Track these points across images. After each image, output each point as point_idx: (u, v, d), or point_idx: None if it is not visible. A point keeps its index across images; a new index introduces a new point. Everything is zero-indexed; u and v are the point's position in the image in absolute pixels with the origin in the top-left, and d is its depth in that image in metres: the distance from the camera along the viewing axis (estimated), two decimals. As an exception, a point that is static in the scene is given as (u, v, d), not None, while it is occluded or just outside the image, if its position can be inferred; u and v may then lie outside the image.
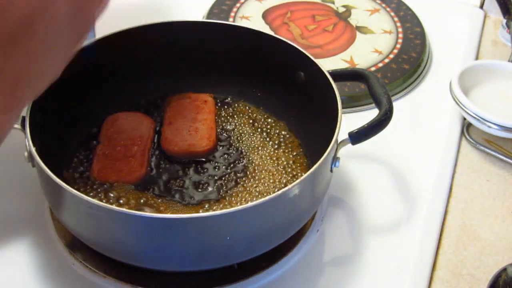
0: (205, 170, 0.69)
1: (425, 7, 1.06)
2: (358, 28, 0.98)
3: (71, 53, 0.47)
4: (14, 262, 0.62)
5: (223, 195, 0.66)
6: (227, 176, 0.69)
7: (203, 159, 0.71)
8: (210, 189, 0.67)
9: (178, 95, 0.78)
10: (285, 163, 0.71)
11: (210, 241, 0.54)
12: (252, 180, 0.68)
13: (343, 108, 0.62)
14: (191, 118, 0.74)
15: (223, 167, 0.70)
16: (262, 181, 0.68)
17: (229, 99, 0.80)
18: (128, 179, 0.66)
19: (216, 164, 0.70)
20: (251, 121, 0.76)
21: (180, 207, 0.65)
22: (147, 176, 0.68)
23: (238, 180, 0.68)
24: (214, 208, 0.65)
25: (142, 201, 0.65)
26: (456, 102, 0.80)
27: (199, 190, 0.67)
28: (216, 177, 0.69)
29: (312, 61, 0.69)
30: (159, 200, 0.65)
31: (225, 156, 0.71)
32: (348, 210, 0.71)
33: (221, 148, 0.73)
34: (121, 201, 0.64)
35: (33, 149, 0.56)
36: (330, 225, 0.68)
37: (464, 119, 0.82)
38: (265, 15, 1.00)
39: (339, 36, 0.96)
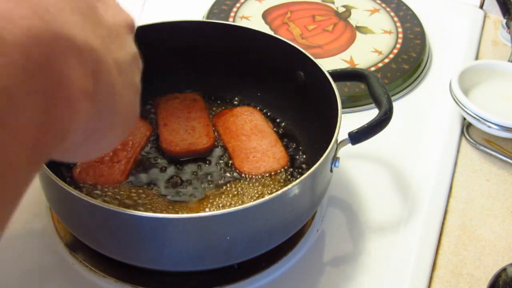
0: (204, 169, 0.70)
1: (425, 7, 1.06)
2: (358, 28, 0.98)
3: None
4: (14, 262, 0.62)
5: (221, 193, 0.66)
6: (225, 175, 0.69)
7: (201, 157, 0.71)
8: (208, 187, 0.67)
9: (166, 97, 0.78)
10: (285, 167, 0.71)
11: (210, 241, 0.54)
12: (251, 179, 0.68)
13: (343, 108, 0.62)
14: (185, 117, 0.75)
15: (222, 166, 0.70)
16: (261, 180, 0.68)
17: (228, 99, 0.80)
18: (106, 184, 0.67)
19: (215, 162, 0.70)
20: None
21: (178, 205, 0.65)
22: (145, 175, 0.68)
23: (237, 178, 0.68)
24: (211, 204, 0.65)
25: (139, 199, 0.65)
26: (456, 102, 0.80)
27: (197, 188, 0.67)
28: (214, 176, 0.69)
29: (312, 61, 0.69)
30: (156, 199, 0.65)
31: (224, 155, 0.71)
32: (348, 210, 0.71)
33: (219, 147, 0.73)
34: (118, 200, 0.65)
35: (33, 149, 0.56)
36: (330, 225, 0.68)
37: (464, 119, 0.82)
38: (265, 15, 1.00)
39: (339, 36, 0.96)
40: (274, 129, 0.75)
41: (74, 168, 0.68)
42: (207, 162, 0.71)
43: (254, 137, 0.73)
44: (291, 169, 0.70)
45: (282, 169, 0.69)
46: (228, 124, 0.75)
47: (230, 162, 0.70)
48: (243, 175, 0.69)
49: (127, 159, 0.69)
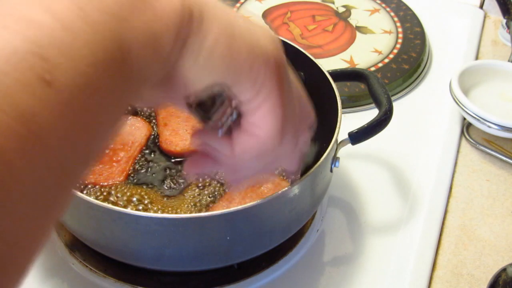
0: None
1: (425, 7, 1.06)
2: (358, 28, 0.98)
3: None
4: (14, 262, 0.62)
5: (220, 193, 0.66)
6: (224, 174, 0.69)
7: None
8: (207, 186, 0.67)
9: None
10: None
11: (210, 241, 0.54)
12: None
13: (343, 108, 0.62)
14: (185, 117, 0.75)
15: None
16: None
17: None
18: (105, 183, 0.67)
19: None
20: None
21: (178, 205, 0.65)
22: (145, 175, 0.68)
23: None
24: (211, 204, 0.65)
25: (138, 199, 0.65)
26: (456, 102, 0.80)
27: (197, 186, 0.67)
28: (215, 176, 0.69)
29: (312, 61, 0.69)
30: (156, 199, 0.65)
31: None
32: (348, 210, 0.71)
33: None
34: (117, 199, 0.65)
35: (33, 149, 0.56)
36: (330, 225, 0.68)
37: (464, 119, 0.82)
38: (265, 15, 1.00)
39: (339, 36, 0.96)
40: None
41: None
42: (207, 162, 0.71)
43: None
44: (291, 169, 0.70)
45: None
46: None
47: (230, 162, 0.70)
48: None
49: (127, 159, 0.69)
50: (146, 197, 0.66)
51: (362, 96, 0.84)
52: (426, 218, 0.70)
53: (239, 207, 0.52)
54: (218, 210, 0.61)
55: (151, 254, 0.56)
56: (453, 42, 1.00)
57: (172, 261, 0.57)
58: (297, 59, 0.70)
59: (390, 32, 0.97)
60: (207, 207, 0.64)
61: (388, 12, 1.03)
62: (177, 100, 0.37)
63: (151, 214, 0.53)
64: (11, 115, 0.22)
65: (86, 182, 0.66)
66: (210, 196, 0.66)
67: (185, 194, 0.66)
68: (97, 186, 0.66)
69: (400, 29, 0.98)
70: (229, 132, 0.38)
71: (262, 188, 0.65)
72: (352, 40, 0.96)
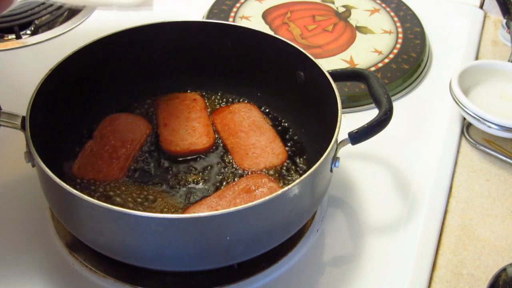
0: (204, 168, 0.70)
1: (425, 7, 1.06)
2: (358, 28, 0.98)
3: None
4: (14, 261, 0.62)
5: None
6: (226, 174, 0.69)
7: (201, 157, 0.71)
8: (208, 186, 0.67)
9: (165, 96, 0.78)
10: (284, 163, 0.71)
11: (210, 241, 0.54)
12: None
13: (343, 108, 0.62)
14: (185, 117, 0.75)
15: (222, 165, 0.70)
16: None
17: (229, 98, 0.80)
18: (104, 180, 0.67)
19: (215, 162, 0.70)
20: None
21: (178, 204, 0.65)
22: (145, 174, 0.68)
23: (236, 178, 0.68)
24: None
25: (138, 198, 0.65)
26: (456, 102, 0.80)
27: (197, 187, 0.67)
28: (215, 175, 0.69)
29: (312, 61, 0.69)
30: (155, 197, 0.65)
31: (224, 153, 0.71)
32: (348, 210, 0.71)
33: (219, 146, 0.73)
34: (118, 198, 0.65)
35: (33, 149, 0.56)
36: (330, 225, 0.68)
37: (464, 119, 0.82)
38: (265, 15, 1.00)
39: (339, 36, 0.96)
40: (274, 128, 0.75)
41: (73, 165, 0.68)
42: (207, 161, 0.71)
43: (252, 133, 0.73)
44: (291, 169, 0.70)
45: (283, 166, 0.70)
46: (226, 121, 0.75)
47: (230, 161, 0.70)
48: (245, 172, 0.69)
49: (126, 156, 0.69)
50: (144, 194, 0.66)
51: (362, 96, 0.84)
52: (426, 218, 0.70)
53: (239, 207, 0.51)
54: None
55: (151, 254, 0.56)
56: (453, 42, 1.00)
57: (172, 261, 0.57)
58: (297, 59, 0.71)
59: (390, 32, 0.97)
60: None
61: (388, 12, 1.03)
62: None
63: (151, 214, 0.53)
64: None
65: (85, 178, 0.66)
66: (207, 193, 0.66)
67: (183, 192, 0.67)
68: (96, 183, 0.66)
69: (400, 29, 0.98)
70: None
71: (256, 192, 0.65)
72: (352, 40, 0.96)
